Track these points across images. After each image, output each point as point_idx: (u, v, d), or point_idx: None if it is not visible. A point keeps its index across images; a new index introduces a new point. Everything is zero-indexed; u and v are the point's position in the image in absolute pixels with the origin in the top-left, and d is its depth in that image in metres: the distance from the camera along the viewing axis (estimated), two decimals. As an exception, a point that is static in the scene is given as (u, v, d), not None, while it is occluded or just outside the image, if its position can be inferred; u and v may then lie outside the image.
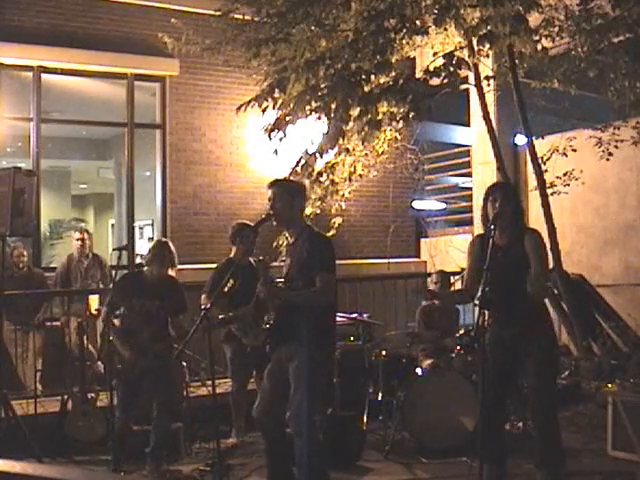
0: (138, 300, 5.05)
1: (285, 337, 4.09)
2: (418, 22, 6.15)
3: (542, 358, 4.18)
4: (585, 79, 7.20)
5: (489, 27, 5.94)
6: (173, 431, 5.46)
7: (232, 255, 5.99)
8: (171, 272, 5.30)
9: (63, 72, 8.34)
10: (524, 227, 4.40)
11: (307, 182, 7.54)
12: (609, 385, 5.81)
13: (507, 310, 4.14)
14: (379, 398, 5.70)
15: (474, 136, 9.68)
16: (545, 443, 4.24)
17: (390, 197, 9.79)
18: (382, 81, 6.54)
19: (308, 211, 7.54)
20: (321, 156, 6.95)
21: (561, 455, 4.29)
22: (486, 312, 3.89)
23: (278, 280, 4.29)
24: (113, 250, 5.53)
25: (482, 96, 7.30)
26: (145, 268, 5.24)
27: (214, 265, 6.07)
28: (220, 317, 5.38)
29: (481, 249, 4.20)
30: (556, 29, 6.93)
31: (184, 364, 6.06)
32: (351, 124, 6.46)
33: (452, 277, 7.13)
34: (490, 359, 4.11)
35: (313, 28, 6.39)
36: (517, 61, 6.94)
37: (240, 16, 7.13)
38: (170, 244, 5.35)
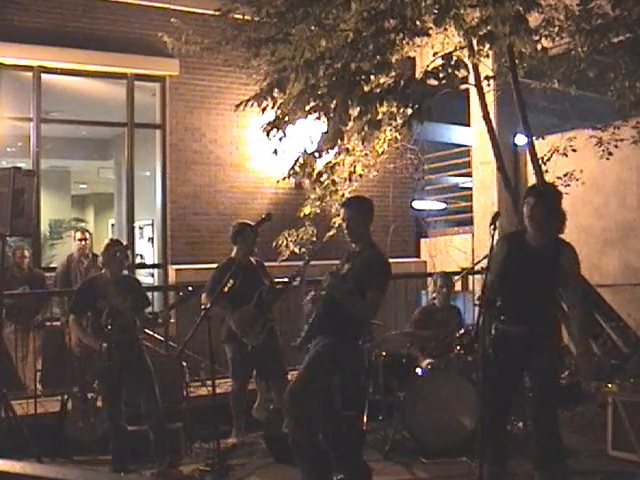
0: (102, 300, 5.13)
1: (318, 331, 4.33)
2: (418, 23, 6.13)
3: (547, 360, 4.17)
4: (585, 79, 7.19)
5: (489, 27, 5.92)
6: (173, 431, 5.47)
7: (233, 255, 5.99)
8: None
9: (63, 72, 8.33)
10: (559, 237, 4.36)
11: (307, 182, 7.54)
12: (609, 385, 5.81)
13: (521, 308, 4.16)
14: (379, 398, 5.71)
15: (474, 136, 9.68)
16: (545, 444, 4.23)
17: (390, 197, 9.78)
18: (382, 81, 6.53)
19: (307, 211, 7.55)
20: (320, 156, 6.94)
21: (561, 456, 4.27)
22: (488, 312, 3.93)
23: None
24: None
25: (482, 96, 7.29)
26: (102, 270, 5.37)
27: (214, 265, 6.08)
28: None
29: (512, 250, 4.21)
30: (556, 29, 6.92)
31: (184, 364, 6.06)
32: (351, 124, 6.46)
33: (453, 277, 7.13)
34: (494, 358, 4.12)
35: (313, 28, 6.38)
36: (517, 61, 6.93)
37: (240, 16, 7.12)
38: (121, 242, 5.48)
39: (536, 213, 4.12)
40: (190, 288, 5.25)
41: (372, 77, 6.30)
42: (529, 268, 4.14)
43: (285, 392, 4.39)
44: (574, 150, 7.37)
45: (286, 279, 5.59)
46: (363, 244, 4.47)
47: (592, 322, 7.48)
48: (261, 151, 8.68)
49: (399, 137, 7.74)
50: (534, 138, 7.15)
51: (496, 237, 4.15)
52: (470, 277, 8.09)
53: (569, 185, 7.39)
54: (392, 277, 4.54)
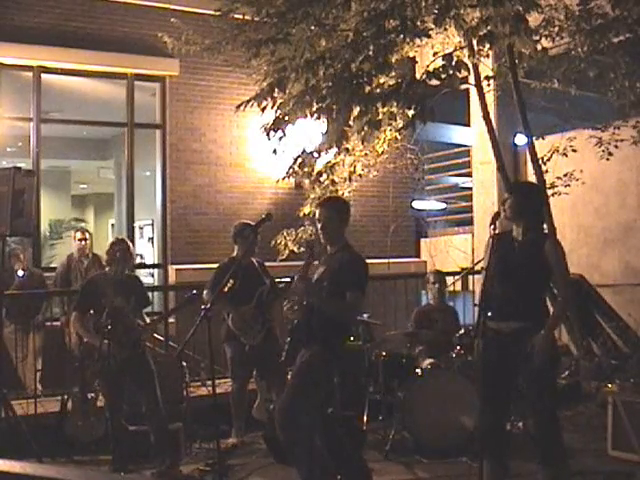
0: (106, 299, 5.13)
1: (305, 340, 4.27)
2: (418, 23, 6.13)
3: (540, 357, 4.17)
4: (585, 79, 7.19)
5: (489, 27, 5.92)
6: (173, 431, 5.47)
7: (234, 255, 6.00)
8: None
9: (63, 72, 8.33)
10: (542, 230, 4.45)
11: (307, 182, 7.54)
12: (609, 385, 5.81)
13: (509, 304, 4.17)
14: (379, 398, 5.71)
15: (474, 136, 9.68)
16: (545, 443, 4.23)
17: (390, 197, 9.78)
18: (382, 81, 6.53)
19: (307, 211, 7.55)
20: (319, 155, 6.94)
21: (562, 455, 4.27)
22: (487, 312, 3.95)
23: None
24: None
25: (482, 96, 7.29)
26: (107, 269, 5.38)
27: (214, 265, 6.08)
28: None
29: (499, 246, 4.24)
30: (556, 29, 6.93)
31: (184, 364, 6.06)
32: (351, 124, 6.46)
33: (452, 277, 7.14)
34: (486, 356, 4.11)
35: (313, 28, 6.38)
36: (517, 61, 6.93)
37: (240, 16, 7.12)
38: (127, 242, 5.47)
39: (508, 208, 4.32)
40: (194, 291, 5.27)
41: (373, 78, 6.30)
42: (514, 263, 4.20)
43: (277, 406, 4.33)
44: (574, 150, 7.37)
45: (287, 279, 5.58)
46: (338, 246, 4.40)
47: (593, 322, 7.50)
48: (261, 151, 8.68)
49: (399, 137, 7.74)
50: (534, 138, 7.16)
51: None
52: (470, 277, 8.10)
53: (569, 185, 7.39)
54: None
